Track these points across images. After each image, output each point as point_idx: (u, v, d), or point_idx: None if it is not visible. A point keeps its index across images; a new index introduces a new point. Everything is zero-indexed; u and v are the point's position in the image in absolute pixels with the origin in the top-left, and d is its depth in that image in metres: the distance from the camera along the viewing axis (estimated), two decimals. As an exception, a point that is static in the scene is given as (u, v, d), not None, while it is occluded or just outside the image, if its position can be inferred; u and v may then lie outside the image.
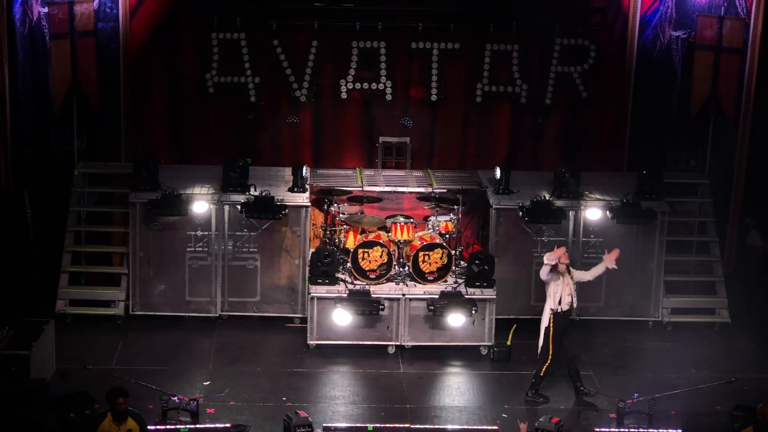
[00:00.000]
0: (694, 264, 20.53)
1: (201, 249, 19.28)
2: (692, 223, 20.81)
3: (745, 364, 18.46)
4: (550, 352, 16.89)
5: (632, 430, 15.53)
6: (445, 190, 19.83)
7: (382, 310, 18.33)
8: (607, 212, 19.25)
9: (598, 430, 15.43)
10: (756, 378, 17.83)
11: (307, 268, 18.99)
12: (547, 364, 16.93)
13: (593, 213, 19.39)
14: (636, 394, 16.13)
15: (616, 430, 15.64)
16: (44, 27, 20.12)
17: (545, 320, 16.95)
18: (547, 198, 19.38)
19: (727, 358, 18.76)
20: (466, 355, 18.55)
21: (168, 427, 15.15)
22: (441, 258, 18.70)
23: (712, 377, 17.61)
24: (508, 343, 18.58)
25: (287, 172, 19.88)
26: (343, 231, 19.38)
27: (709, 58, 20.82)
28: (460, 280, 18.81)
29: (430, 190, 19.86)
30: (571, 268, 17.08)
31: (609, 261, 17.06)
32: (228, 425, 15.54)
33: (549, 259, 16.76)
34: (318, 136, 21.44)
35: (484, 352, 18.60)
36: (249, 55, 20.70)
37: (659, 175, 19.81)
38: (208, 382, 17.38)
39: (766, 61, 20.54)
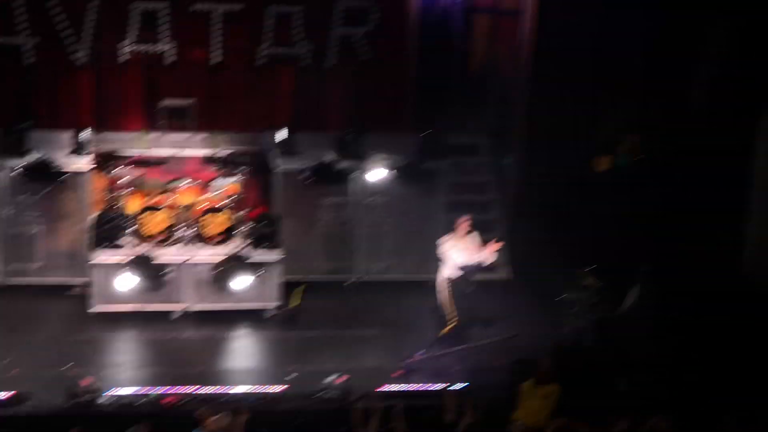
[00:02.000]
0: (476, 223, 20.87)
1: (-22, 215, 18.83)
2: (474, 183, 21.18)
3: (524, 321, 18.88)
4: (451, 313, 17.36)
5: (419, 387, 15.81)
6: (229, 153, 19.75)
7: (167, 274, 18.19)
8: (391, 173, 19.44)
9: (386, 389, 15.68)
10: (535, 334, 18.26)
11: (90, 234, 18.69)
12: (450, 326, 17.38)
13: (377, 174, 19.55)
14: (421, 352, 16.42)
15: (405, 388, 15.90)
16: None
17: (443, 285, 17.46)
18: (331, 160, 19.46)
19: (507, 314, 19.14)
20: (252, 317, 18.54)
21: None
22: (226, 220, 18.61)
23: (494, 333, 17.99)
24: (294, 305, 18.66)
25: (68, 135, 19.47)
26: (126, 195, 19.14)
27: (487, 20, 21.22)
28: (245, 243, 18.78)
29: (214, 152, 19.74)
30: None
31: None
32: (10, 394, 15.29)
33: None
34: (99, 100, 21.02)
35: (269, 314, 18.64)
36: (26, 14, 20.14)
37: (442, 135, 20.08)
38: (-13, 352, 16.99)
39: (543, 23, 20.97)
